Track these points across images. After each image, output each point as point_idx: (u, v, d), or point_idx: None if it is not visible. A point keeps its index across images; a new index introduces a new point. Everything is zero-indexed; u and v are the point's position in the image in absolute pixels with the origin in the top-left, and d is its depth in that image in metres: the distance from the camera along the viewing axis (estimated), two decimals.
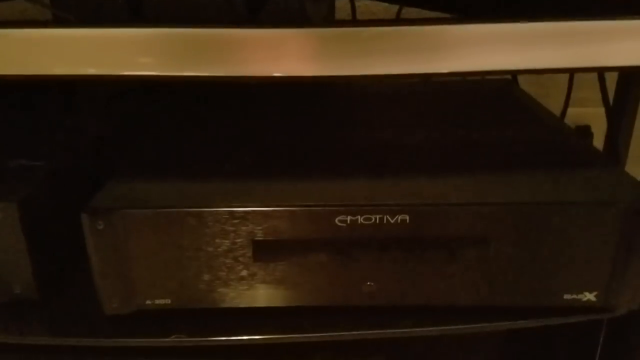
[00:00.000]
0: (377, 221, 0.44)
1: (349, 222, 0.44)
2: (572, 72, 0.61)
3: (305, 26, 0.37)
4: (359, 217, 0.44)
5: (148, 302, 0.46)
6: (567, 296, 0.47)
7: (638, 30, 0.39)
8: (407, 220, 0.44)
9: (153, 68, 0.36)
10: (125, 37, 0.36)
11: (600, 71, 0.61)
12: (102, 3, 0.53)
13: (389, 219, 0.44)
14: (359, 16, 0.81)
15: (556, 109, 0.78)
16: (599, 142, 0.88)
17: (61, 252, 0.51)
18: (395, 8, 0.81)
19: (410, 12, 0.80)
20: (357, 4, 0.80)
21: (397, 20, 0.38)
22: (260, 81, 0.37)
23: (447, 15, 0.67)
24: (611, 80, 0.66)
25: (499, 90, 0.72)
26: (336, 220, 0.44)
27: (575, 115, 0.84)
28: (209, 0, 0.52)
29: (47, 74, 0.37)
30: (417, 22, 0.38)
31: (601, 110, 0.69)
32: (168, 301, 0.46)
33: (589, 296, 0.47)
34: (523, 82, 0.77)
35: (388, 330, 0.47)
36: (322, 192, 0.46)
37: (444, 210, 0.44)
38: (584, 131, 0.87)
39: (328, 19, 0.54)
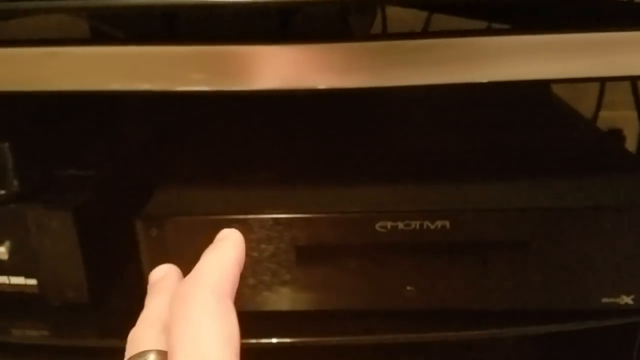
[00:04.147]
0: (417, 227, 0.45)
1: (389, 227, 0.45)
2: (605, 80, 0.62)
3: (349, 40, 0.38)
4: (399, 222, 0.45)
5: None
6: (605, 299, 0.47)
7: None
8: (447, 226, 0.45)
9: (204, 83, 0.38)
10: (178, 53, 0.38)
11: (633, 80, 0.61)
12: (138, 17, 0.55)
13: (429, 224, 0.45)
14: (388, 22, 0.82)
15: (588, 112, 0.79)
16: (631, 145, 0.88)
17: (110, 257, 0.53)
18: (424, 14, 0.82)
19: (438, 18, 0.81)
20: (386, 10, 0.81)
21: (438, 33, 0.39)
22: (307, 93, 0.38)
23: (474, 21, 0.68)
24: None
25: (532, 94, 0.73)
26: (377, 226, 0.45)
27: (607, 118, 0.84)
28: (242, 15, 0.53)
29: (104, 89, 0.39)
30: (456, 34, 0.39)
31: (633, 114, 0.69)
32: None
33: (627, 299, 0.47)
34: (555, 85, 0.77)
35: (427, 334, 0.48)
36: (363, 199, 0.47)
37: (483, 216, 0.45)
38: (616, 135, 0.87)
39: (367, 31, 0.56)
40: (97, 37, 0.54)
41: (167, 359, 0.28)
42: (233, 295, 0.31)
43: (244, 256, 0.34)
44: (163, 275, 0.34)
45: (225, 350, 0.28)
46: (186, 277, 0.32)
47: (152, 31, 0.54)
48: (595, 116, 0.81)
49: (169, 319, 0.30)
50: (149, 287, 0.34)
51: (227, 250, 0.33)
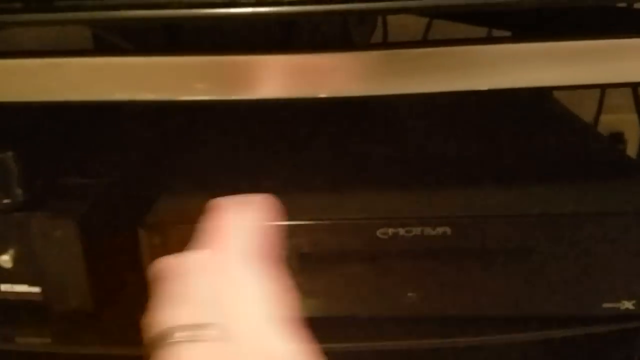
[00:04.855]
0: (419, 233, 0.45)
1: (390, 234, 0.45)
2: (605, 87, 0.62)
3: (350, 49, 0.38)
4: (400, 229, 0.45)
5: None
6: (606, 305, 0.47)
7: None
8: (448, 232, 0.45)
9: (207, 93, 0.38)
10: (181, 63, 0.38)
11: (633, 86, 0.61)
12: (142, 29, 0.55)
13: (430, 230, 0.45)
14: (389, 28, 0.83)
15: (589, 116, 0.79)
16: (632, 148, 0.88)
17: (114, 265, 0.54)
18: (425, 20, 0.83)
19: (438, 24, 0.82)
20: (387, 17, 0.81)
21: (438, 41, 0.39)
22: (308, 102, 0.39)
23: (475, 27, 0.68)
24: None
25: (532, 99, 0.73)
26: (378, 233, 0.45)
27: (609, 122, 0.84)
28: (244, 25, 0.54)
29: (107, 99, 0.39)
30: (456, 42, 0.39)
31: (634, 117, 0.69)
32: None
33: (628, 304, 0.47)
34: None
35: (428, 340, 0.49)
36: (364, 206, 0.47)
37: (484, 222, 0.45)
38: (618, 138, 0.87)
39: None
40: (100, 48, 0.54)
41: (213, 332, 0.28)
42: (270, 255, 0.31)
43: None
44: (168, 262, 0.34)
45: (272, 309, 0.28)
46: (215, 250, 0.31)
47: (155, 40, 0.55)
48: (596, 120, 0.81)
49: (200, 294, 0.29)
50: (154, 276, 0.34)
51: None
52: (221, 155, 0.59)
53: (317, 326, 0.49)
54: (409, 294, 0.47)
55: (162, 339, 0.29)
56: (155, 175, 0.55)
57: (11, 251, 0.48)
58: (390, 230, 0.45)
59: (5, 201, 0.47)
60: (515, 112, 0.69)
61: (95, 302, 0.50)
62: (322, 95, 0.39)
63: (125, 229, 0.47)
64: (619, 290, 0.47)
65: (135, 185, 0.57)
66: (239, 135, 0.64)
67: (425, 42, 0.63)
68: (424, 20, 0.83)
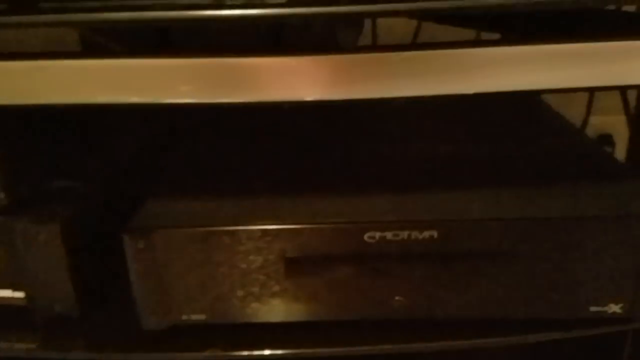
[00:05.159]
0: (406, 237, 0.45)
1: (377, 238, 0.45)
2: (594, 90, 0.62)
3: (335, 52, 0.38)
4: (387, 233, 0.45)
5: (184, 317, 0.48)
6: (593, 308, 0.47)
7: None
8: (435, 236, 0.45)
9: (192, 95, 0.38)
10: (167, 65, 0.38)
11: (622, 89, 0.61)
12: (131, 30, 0.55)
13: (417, 234, 0.45)
14: (377, 31, 0.82)
15: (578, 118, 0.79)
16: (621, 150, 0.89)
17: (99, 269, 0.53)
18: (414, 23, 0.83)
19: (427, 26, 0.82)
20: (376, 20, 0.81)
21: (425, 44, 0.39)
22: (293, 105, 0.38)
23: (464, 30, 0.68)
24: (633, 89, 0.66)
25: (520, 101, 0.73)
26: (365, 237, 0.45)
27: (597, 123, 0.84)
28: (231, 27, 0.53)
29: (91, 102, 0.39)
30: (443, 45, 0.39)
31: (623, 119, 0.69)
32: (203, 316, 0.48)
33: (615, 308, 0.48)
34: None
35: (417, 344, 0.48)
36: (351, 209, 0.47)
37: (471, 226, 0.45)
38: (607, 140, 0.87)
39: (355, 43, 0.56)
40: (86, 50, 0.54)
41: None
42: None
43: None
44: None
45: None
46: None
47: (143, 41, 0.54)
48: (585, 122, 0.81)
49: None
50: None
51: None
52: (207, 159, 0.59)
53: (305, 331, 0.49)
54: (397, 298, 0.47)
55: None
56: (140, 179, 0.55)
57: None
58: (378, 234, 0.45)
59: None
60: (503, 115, 0.69)
61: (80, 307, 0.50)
62: (309, 99, 0.39)
63: (110, 233, 0.46)
64: (606, 293, 0.47)
65: (120, 190, 0.57)
66: (225, 139, 0.64)
67: (413, 45, 0.63)
68: (413, 23, 0.83)
